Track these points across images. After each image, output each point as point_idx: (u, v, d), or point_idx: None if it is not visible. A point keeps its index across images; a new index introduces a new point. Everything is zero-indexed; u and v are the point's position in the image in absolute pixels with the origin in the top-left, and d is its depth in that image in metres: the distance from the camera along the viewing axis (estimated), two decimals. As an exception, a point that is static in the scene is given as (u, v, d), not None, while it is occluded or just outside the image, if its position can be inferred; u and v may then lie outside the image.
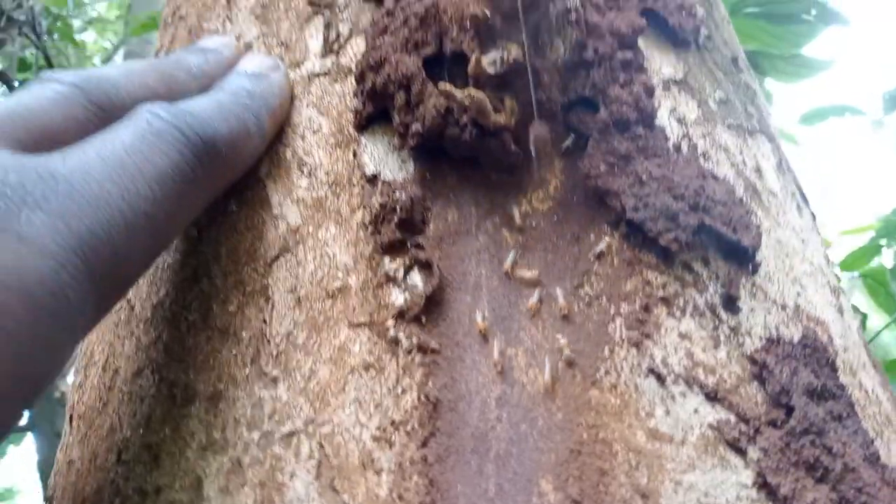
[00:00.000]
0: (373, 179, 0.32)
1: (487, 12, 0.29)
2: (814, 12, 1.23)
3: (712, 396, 0.27)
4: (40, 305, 0.21)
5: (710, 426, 0.26)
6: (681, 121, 0.34)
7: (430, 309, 0.28)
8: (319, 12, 0.39)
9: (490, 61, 0.29)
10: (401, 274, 0.29)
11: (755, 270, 0.31)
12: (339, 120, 0.35)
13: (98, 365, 0.35)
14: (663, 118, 0.34)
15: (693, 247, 0.30)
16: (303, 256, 0.31)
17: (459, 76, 0.31)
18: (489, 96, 0.29)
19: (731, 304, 0.29)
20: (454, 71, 0.31)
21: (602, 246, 0.29)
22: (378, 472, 0.25)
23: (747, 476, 0.25)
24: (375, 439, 0.26)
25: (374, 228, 0.31)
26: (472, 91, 0.28)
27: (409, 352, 0.28)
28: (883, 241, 1.57)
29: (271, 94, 0.35)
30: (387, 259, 0.30)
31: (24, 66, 2.44)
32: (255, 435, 0.28)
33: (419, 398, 0.26)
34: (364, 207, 0.32)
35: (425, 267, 0.29)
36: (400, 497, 0.24)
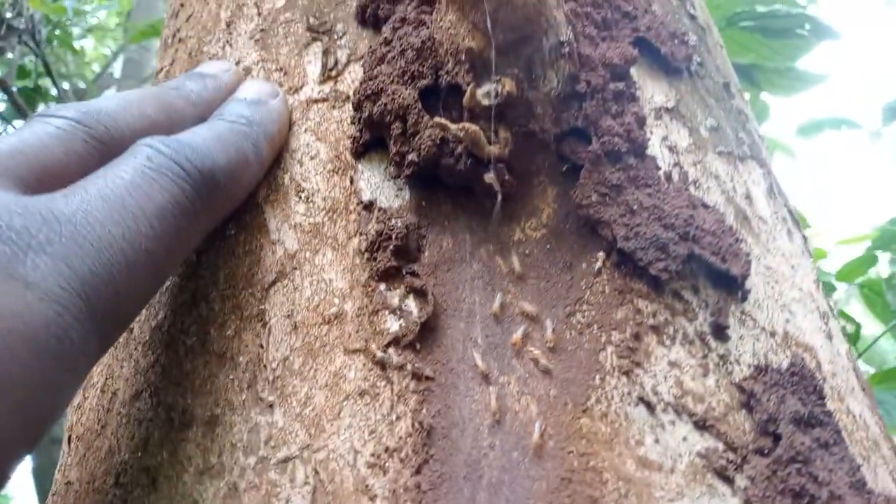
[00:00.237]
0: (369, 206, 0.33)
1: (482, 46, 0.30)
2: (808, 27, 1.24)
3: (701, 425, 0.27)
4: (45, 349, 0.22)
5: (699, 454, 0.26)
6: (672, 149, 0.35)
7: (425, 336, 0.29)
8: (318, 38, 0.40)
9: (484, 93, 0.30)
10: (396, 301, 0.30)
11: (744, 298, 0.31)
12: (337, 146, 0.35)
13: (97, 387, 0.35)
14: (655, 147, 0.34)
15: (683, 276, 0.30)
16: (299, 282, 0.32)
17: (455, 106, 0.32)
18: (483, 127, 0.30)
19: (720, 332, 0.30)
20: (450, 101, 0.32)
21: (594, 274, 0.30)
22: (372, 499, 0.26)
23: (735, 504, 0.26)
24: (370, 466, 0.26)
25: (369, 255, 0.31)
26: (467, 125, 0.29)
27: (404, 379, 0.28)
28: (879, 252, 1.58)
29: (270, 120, 0.35)
30: (382, 286, 0.31)
31: (22, 73, 2.44)
32: (252, 460, 0.28)
33: (413, 425, 0.27)
34: (360, 234, 0.32)
35: (420, 294, 0.30)
36: (393, 524, 0.25)
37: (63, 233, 0.24)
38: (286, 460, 0.27)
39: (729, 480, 0.26)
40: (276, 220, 0.34)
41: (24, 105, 2.13)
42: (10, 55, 2.36)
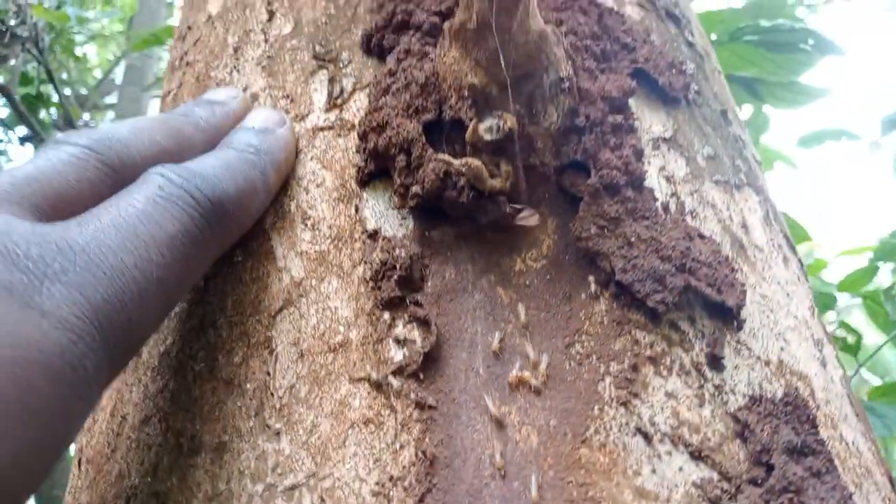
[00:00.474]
0: (374, 235, 0.34)
1: (485, 82, 0.30)
2: (811, 42, 1.25)
3: (696, 455, 0.28)
4: (60, 378, 0.22)
5: (694, 484, 0.27)
6: (669, 179, 0.36)
7: (428, 365, 0.30)
8: (324, 66, 0.40)
9: (486, 128, 0.31)
10: (400, 330, 0.31)
11: (740, 328, 0.32)
12: (342, 174, 0.36)
13: (106, 410, 0.36)
14: (652, 177, 0.35)
15: (680, 307, 0.31)
16: (305, 309, 0.33)
17: (458, 139, 0.33)
18: (485, 161, 0.31)
19: (715, 362, 0.30)
20: (453, 134, 0.33)
21: (592, 305, 0.31)
22: (376, 527, 0.26)
23: (729, 533, 0.26)
24: (374, 494, 0.27)
25: (374, 284, 0.32)
26: (469, 160, 0.30)
27: (407, 408, 0.29)
28: (880, 263, 1.59)
29: (277, 148, 0.36)
30: (386, 314, 0.31)
31: (25, 80, 2.46)
32: (259, 487, 0.29)
33: (416, 454, 0.28)
34: (365, 262, 0.33)
35: (423, 324, 0.31)
36: (397, 552, 0.26)
37: (77, 262, 0.25)
38: (293, 488, 0.28)
39: (723, 510, 0.27)
40: (282, 248, 0.35)
41: (26, 112, 2.14)
42: (12, 62, 2.38)
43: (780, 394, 0.31)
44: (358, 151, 0.36)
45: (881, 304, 1.58)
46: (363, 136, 0.34)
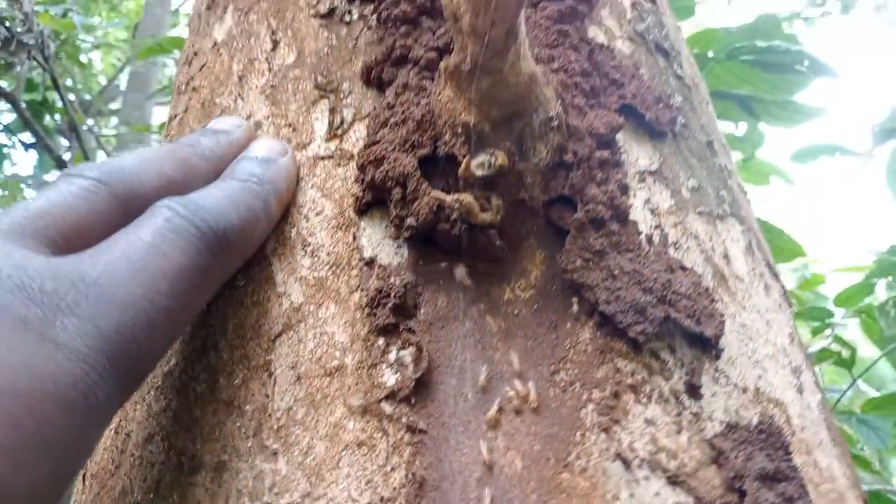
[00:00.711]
0: (370, 262, 0.35)
1: (477, 120, 0.32)
2: (806, 63, 1.27)
3: (673, 480, 0.29)
4: (73, 408, 0.24)
5: (670, 508, 0.29)
6: (654, 211, 0.37)
7: (419, 390, 0.31)
8: (325, 96, 0.42)
9: (478, 164, 0.32)
10: (393, 356, 0.32)
11: (718, 356, 0.34)
12: (341, 203, 0.38)
13: (111, 427, 0.37)
14: (637, 210, 0.37)
15: (660, 336, 0.32)
16: (303, 334, 0.34)
17: (451, 173, 0.34)
18: (477, 195, 0.32)
19: (693, 391, 0.32)
20: (447, 169, 0.34)
21: (577, 335, 0.32)
22: (368, 545, 0.28)
23: (703, 556, 0.28)
24: (366, 514, 0.29)
25: (370, 311, 0.33)
26: (461, 196, 0.31)
27: (399, 431, 0.30)
28: (876, 280, 1.61)
29: (279, 178, 0.38)
30: (381, 340, 0.33)
31: (30, 86, 2.48)
32: (257, 505, 0.30)
33: (407, 476, 0.29)
34: (361, 289, 0.34)
35: (416, 350, 0.32)
36: (387, 570, 0.27)
37: (90, 294, 0.27)
38: (289, 507, 0.30)
39: (698, 534, 0.28)
40: (282, 273, 0.36)
41: (30, 118, 2.16)
42: (18, 69, 2.40)
43: (755, 421, 0.32)
44: (356, 181, 0.37)
45: (876, 319, 1.60)
46: (362, 168, 0.36)
